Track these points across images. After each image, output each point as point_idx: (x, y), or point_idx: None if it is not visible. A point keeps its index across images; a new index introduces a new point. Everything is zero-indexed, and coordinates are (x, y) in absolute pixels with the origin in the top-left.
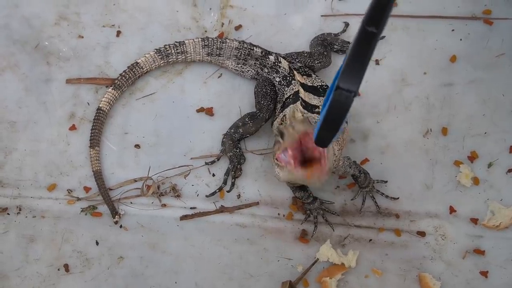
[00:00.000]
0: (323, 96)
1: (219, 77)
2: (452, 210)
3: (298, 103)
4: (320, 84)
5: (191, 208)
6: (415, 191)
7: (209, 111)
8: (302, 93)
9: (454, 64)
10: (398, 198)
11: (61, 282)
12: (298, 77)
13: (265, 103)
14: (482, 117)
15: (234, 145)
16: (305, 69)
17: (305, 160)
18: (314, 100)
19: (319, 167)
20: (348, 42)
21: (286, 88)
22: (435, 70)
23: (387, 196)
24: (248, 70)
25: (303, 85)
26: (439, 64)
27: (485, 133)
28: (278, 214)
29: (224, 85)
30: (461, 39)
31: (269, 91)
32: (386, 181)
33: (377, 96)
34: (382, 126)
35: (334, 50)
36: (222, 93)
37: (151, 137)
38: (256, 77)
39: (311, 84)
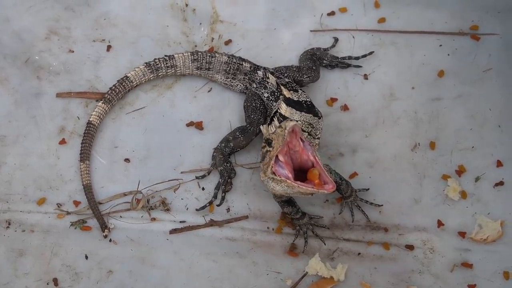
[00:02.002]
0: (305, 112)
1: (209, 91)
2: (440, 223)
3: (275, 119)
4: (305, 99)
5: (180, 221)
6: (404, 205)
7: (199, 125)
8: (284, 109)
9: (442, 79)
10: (382, 205)
11: None
12: (285, 92)
13: (255, 117)
14: (469, 131)
15: (224, 159)
16: (293, 85)
17: (299, 169)
18: (295, 115)
19: (320, 179)
20: (337, 57)
21: (274, 104)
22: (423, 85)
23: (371, 204)
24: (237, 85)
25: (288, 100)
26: (427, 79)
27: (473, 147)
28: (268, 227)
29: (214, 99)
30: (448, 54)
31: (258, 105)
32: (368, 189)
33: (366, 111)
34: (370, 140)
35: (323, 65)
36: (212, 107)
37: (141, 151)
38: (245, 91)
39: (296, 99)
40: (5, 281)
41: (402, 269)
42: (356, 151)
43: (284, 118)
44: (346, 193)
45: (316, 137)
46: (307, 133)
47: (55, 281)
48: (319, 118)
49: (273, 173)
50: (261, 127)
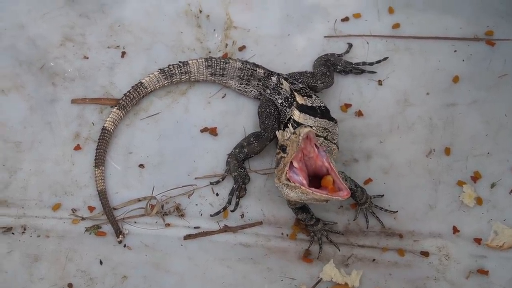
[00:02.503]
0: (319, 117)
1: (223, 97)
2: (455, 230)
3: (289, 125)
4: (319, 105)
5: (195, 227)
6: (419, 211)
7: (213, 131)
8: (297, 115)
9: (457, 85)
10: (397, 211)
11: None
12: (298, 98)
13: (269, 123)
14: (485, 137)
15: (239, 165)
16: (306, 90)
17: (314, 175)
18: (309, 120)
19: (334, 185)
20: (351, 63)
21: (288, 110)
22: (437, 90)
23: (386, 210)
24: (251, 90)
25: (301, 106)
26: (442, 85)
27: (488, 153)
28: (282, 233)
29: (228, 105)
30: (463, 60)
31: (273, 111)
32: (382, 195)
33: (380, 116)
34: (385, 146)
35: (337, 70)
36: (226, 113)
37: (155, 157)
38: (259, 97)
39: (310, 105)
40: (21, 286)
41: (417, 275)
42: (370, 157)
43: (298, 124)
44: (361, 200)
45: (334, 141)
46: (323, 138)
47: (70, 286)
48: (335, 123)
49: (288, 179)
50: (276, 132)
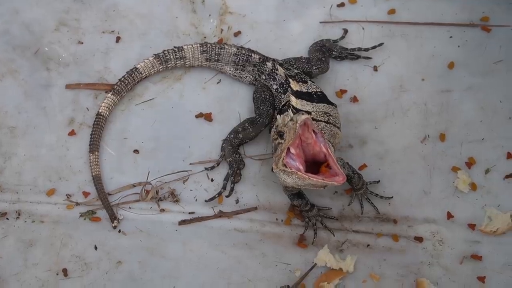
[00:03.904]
0: (316, 102)
1: (218, 82)
2: (449, 215)
3: (289, 110)
4: (315, 90)
5: (189, 213)
6: (413, 197)
7: (208, 117)
8: (294, 101)
9: (452, 71)
10: (392, 197)
11: (60, 286)
12: (293, 84)
13: (264, 109)
14: (479, 123)
15: (233, 150)
16: (302, 76)
17: (312, 162)
18: (307, 106)
19: (331, 170)
20: (347, 49)
21: (283, 96)
22: (433, 76)
23: (381, 197)
24: (246, 76)
25: (297, 92)
26: (437, 71)
27: (483, 139)
28: (276, 219)
29: (223, 90)
30: (459, 46)
31: (268, 96)
32: (379, 181)
33: (375, 102)
34: (380, 132)
35: (333, 56)
36: (221, 98)
37: (150, 142)
38: (254, 83)
39: (306, 90)
40: (15, 271)
41: (411, 260)
42: (365, 142)
43: (297, 110)
44: (357, 186)
45: (337, 125)
46: (324, 123)
47: (65, 271)
48: (335, 106)
49: (284, 165)
50: (277, 116)
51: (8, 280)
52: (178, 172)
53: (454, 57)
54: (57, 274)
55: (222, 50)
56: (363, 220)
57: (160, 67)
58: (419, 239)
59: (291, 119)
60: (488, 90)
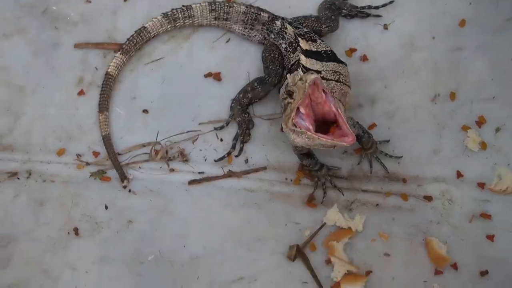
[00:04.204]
0: (326, 61)
1: (227, 41)
2: (459, 174)
3: (299, 69)
4: (325, 49)
5: (199, 173)
6: (423, 156)
7: (217, 76)
8: (303, 60)
9: (463, 29)
10: (401, 156)
11: (71, 245)
12: (302, 43)
13: (273, 68)
14: (490, 81)
15: (243, 110)
16: (311, 35)
17: (322, 121)
18: (316, 65)
19: (340, 130)
20: (357, 7)
21: (292, 55)
22: (443, 34)
23: (391, 156)
24: (255, 35)
25: (306, 51)
26: (448, 29)
27: (493, 97)
28: (286, 178)
29: (232, 49)
30: (470, 3)
31: (277, 55)
32: (388, 140)
33: (385, 61)
34: (390, 91)
35: (342, 14)
36: (230, 58)
37: (159, 102)
38: (263, 42)
39: (315, 49)
40: (27, 229)
41: (420, 219)
42: (375, 102)
43: (307, 69)
44: (367, 145)
45: (347, 83)
46: (334, 81)
47: (76, 230)
48: (345, 64)
49: (294, 124)
50: (288, 75)
51: (20, 238)
52: (187, 132)
53: (465, 15)
54: (68, 233)
55: (231, 9)
56: (372, 179)
57: (168, 26)
58: (428, 198)
59: (301, 79)
60: (499, 48)
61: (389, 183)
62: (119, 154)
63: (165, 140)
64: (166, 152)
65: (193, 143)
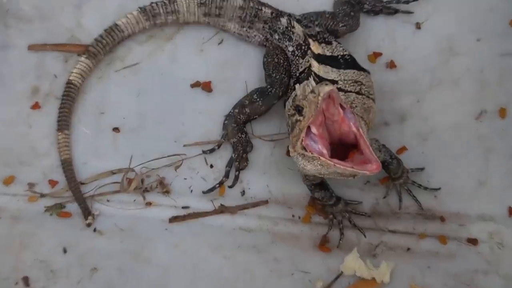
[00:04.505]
0: (343, 69)
1: (219, 43)
2: (511, 211)
3: (311, 78)
4: (342, 53)
5: (183, 207)
6: (465, 188)
7: (206, 86)
8: (316, 67)
9: None
10: (439, 188)
11: None
12: (314, 46)
13: (277, 76)
14: None
15: (238, 129)
16: (325, 35)
17: (339, 144)
18: (332, 73)
19: (362, 156)
20: (382, 1)
21: (301, 60)
22: (491, 36)
23: (425, 188)
24: (255, 35)
25: (319, 56)
26: (496, 29)
27: None
28: (293, 215)
29: (225, 53)
30: None
31: (281, 61)
32: (423, 168)
33: (418, 69)
34: (423, 106)
35: (364, 10)
36: (223, 63)
37: (134, 118)
38: (265, 43)
39: (330, 54)
40: None
41: (462, 268)
42: (405, 119)
43: (320, 79)
44: (396, 174)
45: (370, 96)
46: (355, 94)
47: (26, 280)
48: (367, 73)
49: (304, 148)
50: (296, 86)
51: None
52: (169, 156)
53: None
54: (16, 284)
55: (225, 3)
56: (402, 217)
57: (146, 24)
58: (473, 241)
59: (312, 91)
60: None
61: (424, 222)
62: (82, 184)
63: (141, 166)
64: (142, 181)
65: (175, 170)
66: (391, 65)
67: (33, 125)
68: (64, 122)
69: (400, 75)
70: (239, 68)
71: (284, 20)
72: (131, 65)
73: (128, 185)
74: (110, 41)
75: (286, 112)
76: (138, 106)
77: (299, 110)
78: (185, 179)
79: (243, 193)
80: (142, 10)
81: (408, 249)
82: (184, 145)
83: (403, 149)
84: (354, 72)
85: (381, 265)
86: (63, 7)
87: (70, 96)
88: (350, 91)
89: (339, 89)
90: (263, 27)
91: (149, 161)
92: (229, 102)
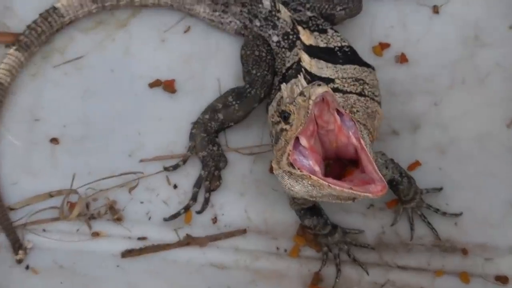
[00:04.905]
0: (341, 64)
1: (185, 31)
2: None
3: (300, 76)
4: (340, 45)
5: (139, 238)
6: (494, 214)
7: (169, 86)
8: (307, 62)
9: None
10: (460, 213)
11: None
12: (304, 36)
13: (258, 73)
14: None
15: (209, 139)
16: (318, 22)
17: (336, 159)
18: (327, 70)
19: (364, 174)
20: None
21: (288, 53)
22: None
23: (444, 213)
24: (230, 22)
25: (310, 48)
26: None
27: None
28: (277, 248)
29: (193, 44)
30: None
31: (264, 54)
32: (440, 188)
33: (435, 64)
34: (442, 110)
35: None
36: (190, 57)
37: (78, 126)
38: (243, 32)
39: (325, 45)
40: None
41: None
42: (419, 127)
43: (312, 76)
44: (407, 196)
45: (375, 98)
46: (356, 95)
47: None
48: (371, 69)
49: (291, 164)
50: (282, 86)
51: None
52: (121, 174)
53: None
54: None
55: None
56: (414, 249)
57: (93, 7)
58: (502, 279)
59: (302, 93)
60: None
61: (441, 255)
62: (10, 209)
63: (86, 187)
64: (87, 205)
65: (130, 192)
66: (402, 59)
67: None
68: None
69: (413, 72)
70: (210, 63)
71: (267, 3)
72: (74, 59)
73: (69, 211)
74: (47, 28)
75: (269, 118)
76: (83, 111)
77: (285, 116)
78: (142, 203)
79: (215, 220)
80: None
81: None
82: (141, 160)
83: (416, 164)
84: (355, 68)
85: None
86: None
87: None
88: (350, 92)
89: (336, 90)
90: (241, 11)
91: (96, 180)
92: (198, 105)
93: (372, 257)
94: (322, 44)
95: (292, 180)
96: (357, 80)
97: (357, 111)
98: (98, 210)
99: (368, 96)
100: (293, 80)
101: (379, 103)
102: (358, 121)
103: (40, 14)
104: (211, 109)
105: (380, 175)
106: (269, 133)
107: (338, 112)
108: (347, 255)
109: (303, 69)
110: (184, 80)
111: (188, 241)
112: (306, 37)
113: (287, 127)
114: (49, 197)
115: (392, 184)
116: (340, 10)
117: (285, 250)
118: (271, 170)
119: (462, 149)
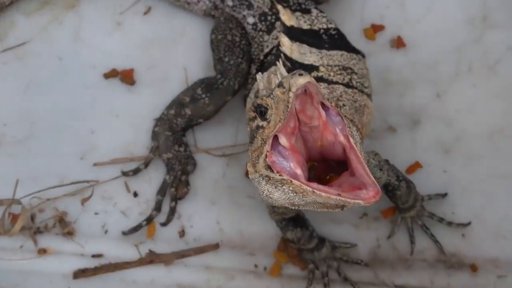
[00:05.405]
0: (327, 49)
1: (145, 13)
2: None
3: (279, 63)
4: (326, 27)
5: (94, 256)
6: (507, 224)
7: (127, 77)
8: (287, 46)
9: None
10: (469, 223)
11: None
12: (285, 16)
13: (231, 61)
14: None
15: (175, 139)
16: (301, 0)
17: (321, 160)
18: (310, 56)
19: (353, 177)
20: None
21: (266, 37)
22: None
23: (449, 223)
24: (198, 1)
25: (292, 30)
26: None
27: None
28: (256, 265)
29: (155, 28)
30: None
31: (237, 38)
32: (445, 194)
33: (437, 48)
34: (446, 102)
35: None
36: (151, 43)
37: (20, 124)
38: (213, 13)
39: (308, 27)
40: None
41: None
42: (418, 123)
43: (293, 63)
44: (406, 203)
45: (365, 89)
46: (343, 86)
47: None
48: (361, 56)
49: (269, 167)
50: (257, 76)
51: None
52: (73, 183)
53: None
54: None
55: None
56: (415, 265)
57: None
58: None
59: (280, 84)
60: None
61: (446, 272)
62: None
63: (31, 196)
64: (32, 218)
65: (82, 204)
66: (399, 43)
67: None
68: None
69: (411, 58)
70: (174, 49)
71: None
72: (15, 46)
73: (11, 224)
74: None
75: (247, 112)
76: (26, 107)
77: (261, 111)
78: (97, 214)
79: (182, 233)
80: None
81: None
82: (95, 164)
83: (415, 166)
84: (342, 55)
85: None
86: None
87: None
88: (336, 83)
89: (321, 79)
90: None
91: (43, 190)
92: (161, 99)
93: (365, 275)
94: (305, 26)
95: (270, 186)
96: (344, 68)
97: (344, 104)
98: (45, 223)
99: (356, 88)
100: (270, 70)
101: (369, 96)
102: (346, 116)
103: None
104: (177, 103)
105: (373, 178)
106: (247, 131)
107: (323, 106)
108: (336, 273)
109: (282, 55)
110: (144, 69)
111: (151, 258)
112: (287, 17)
113: (264, 123)
114: None
115: (388, 190)
116: None
117: (265, 268)
118: (247, 174)
119: (469, 148)
